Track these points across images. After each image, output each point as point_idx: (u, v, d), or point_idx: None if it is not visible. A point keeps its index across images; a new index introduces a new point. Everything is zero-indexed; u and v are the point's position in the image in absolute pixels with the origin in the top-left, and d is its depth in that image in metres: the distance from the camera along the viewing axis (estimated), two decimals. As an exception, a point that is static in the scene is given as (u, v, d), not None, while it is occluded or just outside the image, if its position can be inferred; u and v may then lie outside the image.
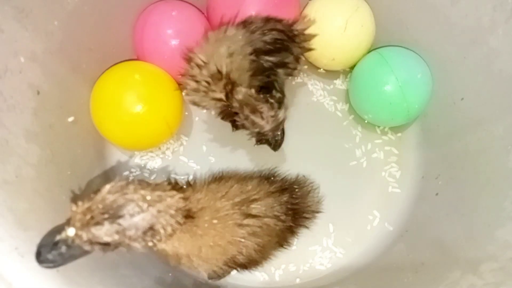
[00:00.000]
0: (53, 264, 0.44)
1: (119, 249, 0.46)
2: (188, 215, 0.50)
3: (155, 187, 0.47)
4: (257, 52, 0.62)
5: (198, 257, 0.54)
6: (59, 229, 0.44)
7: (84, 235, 0.43)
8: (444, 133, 0.72)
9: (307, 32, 0.70)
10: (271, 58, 0.65)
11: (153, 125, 0.68)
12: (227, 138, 0.77)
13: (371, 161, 0.77)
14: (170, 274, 0.69)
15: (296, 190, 0.67)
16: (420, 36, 0.71)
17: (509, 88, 0.59)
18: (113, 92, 0.67)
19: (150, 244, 0.46)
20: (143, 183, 0.46)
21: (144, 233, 0.44)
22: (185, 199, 0.50)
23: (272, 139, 0.76)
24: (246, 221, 0.57)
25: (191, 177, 0.71)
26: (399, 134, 0.79)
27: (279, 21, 0.67)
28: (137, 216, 0.43)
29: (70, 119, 0.65)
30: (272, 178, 0.67)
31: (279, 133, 0.63)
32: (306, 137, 0.78)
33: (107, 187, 0.45)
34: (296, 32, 0.68)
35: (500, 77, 0.60)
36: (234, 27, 0.63)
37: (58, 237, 0.44)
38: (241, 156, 0.76)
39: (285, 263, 0.72)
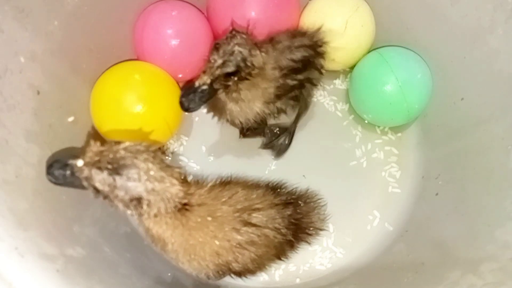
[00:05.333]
0: (56, 181, 0.47)
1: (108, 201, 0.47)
2: (183, 208, 0.51)
3: (164, 167, 0.47)
4: (286, 73, 0.63)
5: (184, 250, 0.54)
6: (75, 154, 0.47)
7: (86, 172, 0.45)
8: (444, 133, 0.72)
9: (326, 41, 0.70)
10: (298, 76, 0.65)
11: (153, 125, 0.68)
12: (227, 138, 0.77)
13: (371, 161, 0.77)
14: (169, 274, 0.69)
15: (301, 205, 0.67)
16: (420, 36, 0.71)
17: (509, 88, 0.59)
18: (113, 92, 0.67)
19: (129, 212, 0.48)
20: (157, 158, 0.47)
21: (130, 200, 0.46)
22: (186, 193, 0.50)
23: (277, 146, 0.76)
24: (244, 229, 0.56)
25: (191, 177, 0.71)
26: (399, 134, 0.79)
27: (303, 34, 0.68)
28: (131, 182, 0.45)
29: (70, 119, 0.65)
30: (278, 190, 0.67)
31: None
32: (305, 137, 0.78)
33: (127, 143, 0.47)
34: (319, 43, 0.69)
35: (500, 77, 0.60)
36: (264, 45, 0.62)
37: (69, 161, 0.47)
38: (241, 156, 0.76)
39: (285, 263, 0.71)
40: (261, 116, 0.65)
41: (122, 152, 0.45)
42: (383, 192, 0.76)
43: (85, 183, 0.46)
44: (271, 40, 0.65)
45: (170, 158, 0.76)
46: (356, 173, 0.77)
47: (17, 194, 0.51)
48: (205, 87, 0.55)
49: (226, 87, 0.58)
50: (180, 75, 0.74)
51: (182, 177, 0.50)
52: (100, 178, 0.45)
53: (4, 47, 0.52)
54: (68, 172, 0.47)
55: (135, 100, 0.66)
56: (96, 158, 0.45)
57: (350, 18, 0.71)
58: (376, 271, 0.70)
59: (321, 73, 0.71)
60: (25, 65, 0.55)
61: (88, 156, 0.46)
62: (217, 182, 0.62)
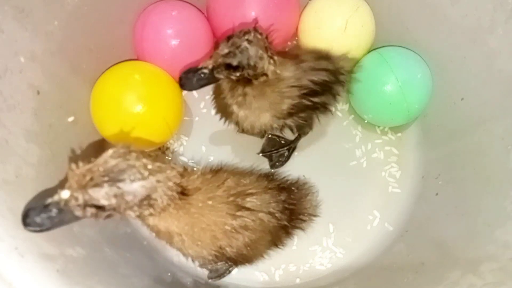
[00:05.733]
0: (40, 228, 0.43)
1: (110, 218, 0.45)
2: (183, 192, 0.50)
3: (155, 158, 0.46)
4: (304, 93, 0.62)
5: (191, 238, 0.54)
6: (50, 193, 0.43)
7: (80, 197, 0.42)
8: (444, 133, 0.72)
9: (350, 70, 0.70)
10: (314, 99, 0.64)
11: (153, 125, 0.68)
12: (227, 138, 0.77)
13: (371, 161, 0.77)
14: (169, 274, 0.69)
15: (294, 191, 0.67)
16: (420, 36, 0.71)
17: (509, 88, 0.59)
18: (113, 92, 0.67)
19: (146, 213, 0.46)
20: (144, 153, 0.46)
21: (141, 201, 0.44)
22: (181, 175, 0.49)
23: (275, 158, 0.76)
24: (239, 213, 0.56)
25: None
26: (399, 134, 0.79)
27: (329, 58, 0.67)
28: (137, 182, 0.43)
29: (70, 119, 0.65)
30: (271, 176, 0.67)
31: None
32: (305, 137, 0.78)
33: (110, 151, 0.44)
34: (342, 71, 0.68)
35: (500, 77, 0.60)
36: (288, 60, 0.62)
37: (49, 200, 0.43)
38: (241, 156, 0.76)
39: (285, 263, 0.72)
40: (267, 128, 0.65)
41: (112, 160, 0.43)
42: (383, 192, 0.76)
43: (78, 212, 0.43)
44: (296, 57, 0.64)
45: (170, 158, 0.76)
46: (356, 173, 0.77)
47: (17, 194, 0.51)
48: (205, 70, 0.55)
49: (229, 79, 0.57)
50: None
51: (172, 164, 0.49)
52: (103, 194, 0.42)
53: (4, 47, 0.52)
54: (54, 211, 0.42)
55: (135, 100, 0.66)
56: (87, 178, 0.42)
57: (350, 18, 0.71)
58: (376, 271, 0.70)
59: (335, 100, 0.70)
60: (25, 65, 0.55)
61: (74, 181, 0.42)
62: (208, 170, 0.61)
